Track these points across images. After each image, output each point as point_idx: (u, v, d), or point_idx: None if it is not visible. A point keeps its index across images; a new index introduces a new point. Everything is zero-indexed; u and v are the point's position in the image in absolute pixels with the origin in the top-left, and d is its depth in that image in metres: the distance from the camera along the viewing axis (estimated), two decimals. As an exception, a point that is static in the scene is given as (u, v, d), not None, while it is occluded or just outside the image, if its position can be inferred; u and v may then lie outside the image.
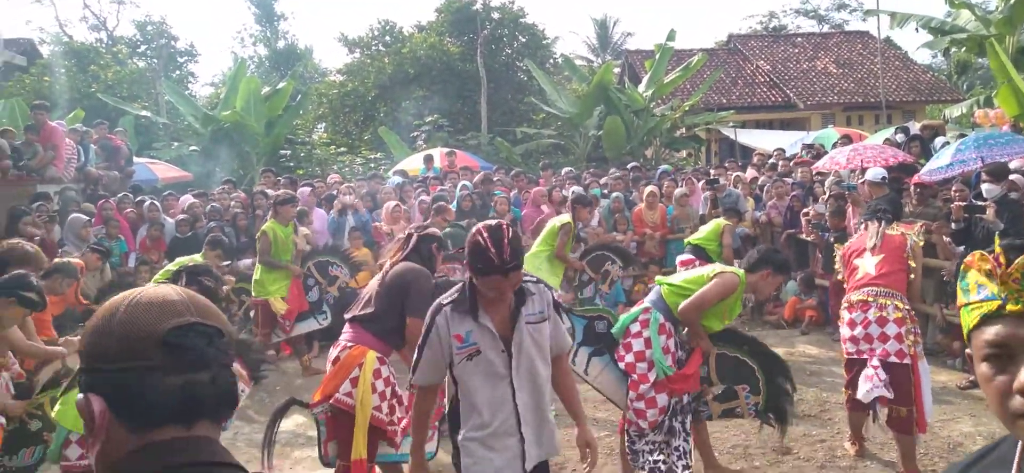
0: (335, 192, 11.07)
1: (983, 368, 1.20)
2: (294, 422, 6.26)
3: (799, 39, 30.49)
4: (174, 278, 3.99)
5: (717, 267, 4.63)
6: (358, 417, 4.14)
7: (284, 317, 7.98)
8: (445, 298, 2.97)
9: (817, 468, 5.18)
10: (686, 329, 4.61)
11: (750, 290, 4.61)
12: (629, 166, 13.32)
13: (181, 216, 10.09)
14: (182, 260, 5.71)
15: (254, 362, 4.12)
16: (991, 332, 1.18)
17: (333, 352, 4.34)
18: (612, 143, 18.73)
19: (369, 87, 24.44)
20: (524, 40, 25.58)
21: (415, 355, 3.00)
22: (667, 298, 4.56)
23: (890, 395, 4.72)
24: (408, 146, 19.71)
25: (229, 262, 8.61)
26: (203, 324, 1.14)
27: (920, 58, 30.19)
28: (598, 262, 8.82)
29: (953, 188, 7.82)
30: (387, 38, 26.59)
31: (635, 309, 4.64)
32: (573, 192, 10.12)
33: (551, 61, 25.97)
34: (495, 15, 25.12)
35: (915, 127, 12.44)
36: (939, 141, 10.60)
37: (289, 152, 20.59)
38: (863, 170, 9.06)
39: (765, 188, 10.90)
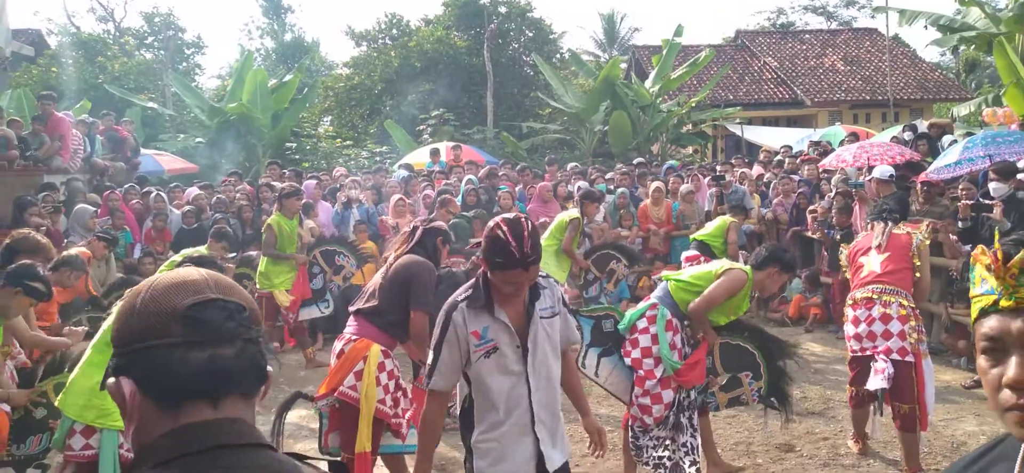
0: (340, 185, 11.08)
1: (981, 361, 1.23)
2: (297, 414, 6.27)
3: (807, 36, 30.38)
4: (181, 264, 3.97)
5: (724, 264, 4.62)
6: (363, 410, 4.15)
7: (288, 309, 8.00)
8: (459, 295, 2.90)
9: (820, 465, 5.17)
10: (688, 322, 4.61)
11: (756, 287, 4.62)
12: (635, 162, 13.30)
13: (187, 208, 10.12)
14: (187, 251, 5.72)
15: None
16: (987, 325, 1.21)
17: (338, 345, 4.36)
18: (618, 138, 18.70)
19: (375, 80, 24.44)
20: (531, 34, 25.55)
21: (430, 358, 2.89)
22: (674, 294, 4.55)
23: (887, 386, 4.71)
24: (414, 140, 19.72)
25: (235, 254, 8.63)
26: (223, 299, 1.15)
27: (928, 56, 30.07)
28: (603, 261, 8.83)
29: (960, 186, 7.79)
30: (394, 31, 26.58)
31: (642, 305, 4.63)
32: (580, 187, 10.14)
33: (558, 56, 25.91)
34: (502, 9, 25.09)
35: (923, 125, 12.39)
36: (947, 139, 10.55)
37: (295, 145, 20.61)
38: (870, 168, 9.02)
39: (771, 185, 10.87)
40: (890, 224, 5.06)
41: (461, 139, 18.75)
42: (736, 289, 4.46)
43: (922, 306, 5.08)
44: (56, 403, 3.91)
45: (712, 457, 4.99)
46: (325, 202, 10.46)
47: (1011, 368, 1.17)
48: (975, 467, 1.27)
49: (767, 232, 10.25)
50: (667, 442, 4.48)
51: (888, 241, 4.97)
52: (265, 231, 7.93)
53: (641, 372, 4.44)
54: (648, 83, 20.56)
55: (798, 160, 11.70)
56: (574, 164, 14.13)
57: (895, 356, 4.74)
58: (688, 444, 4.44)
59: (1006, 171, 6.83)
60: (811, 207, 9.60)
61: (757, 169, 12.35)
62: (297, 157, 19.82)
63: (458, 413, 3.16)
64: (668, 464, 4.43)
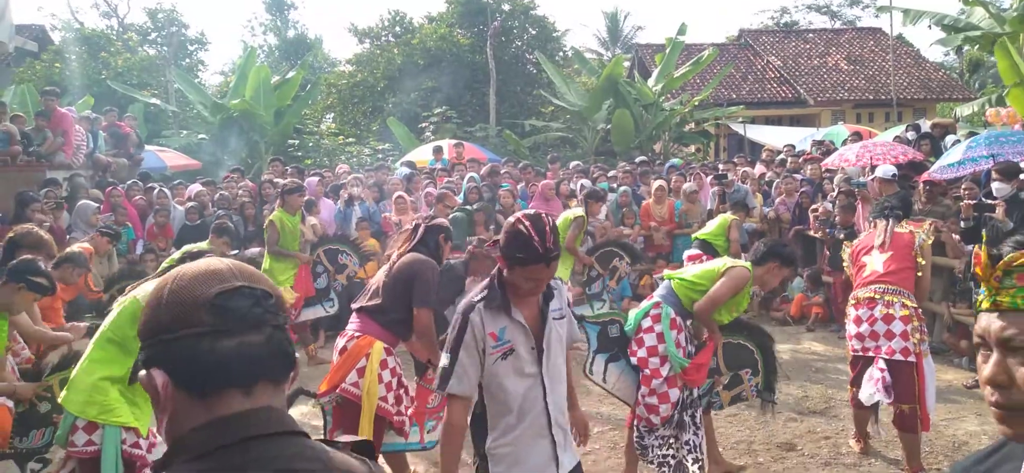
0: (343, 182, 11.08)
1: (978, 358, 1.27)
2: (299, 411, 6.28)
3: (810, 35, 30.34)
4: (181, 260, 3.98)
5: (727, 262, 4.62)
6: (364, 407, 4.16)
7: (293, 306, 8.01)
8: (475, 296, 2.81)
9: (821, 464, 5.17)
10: (692, 321, 4.61)
11: (757, 283, 4.62)
12: (637, 160, 13.29)
13: (190, 204, 10.13)
14: (188, 247, 5.73)
15: None
16: (977, 325, 1.26)
17: (340, 342, 4.36)
18: (621, 137, 18.69)
19: (378, 78, 24.45)
20: (534, 32, 25.53)
21: (446, 361, 2.78)
22: (678, 292, 4.55)
23: (889, 400, 4.72)
24: (416, 137, 19.72)
25: (236, 251, 8.64)
26: (250, 286, 1.16)
27: (932, 55, 30.06)
28: (606, 258, 8.84)
29: (962, 186, 7.77)
30: (397, 29, 26.58)
31: (646, 304, 4.63)
32: (583, 186, 10.13)
33: (561, 54, 25.90)
34: (506, 7, 25.07)
35: (926, 125, 12.37)
36: (950, 139, 10.53)
37: (297, 142, 20.63)
38: (872, 167, 9.01)
39: (774, 184, 10.86)
40: (892, 223, 5.06)
41: (463, 137, 18.76)
42: (740, 287, 4.47)
43: (924, 305, 5.08)
44: (59, 400, 3.92)
45: (713, 455, 4.99)
46: (327, 199, 10.46)
47: (986, 367, 1.21)
48: (982, 466, 1.28)
49: (769, 231, 10.24)
50: (671, 441, 4.48)
51: (891, 240, 4.97)
52: (267, 228, 7.93)
53: (647, 371, 4.43)
54: (651, 82, 20.55)
55: (801, 159, 11.68)
56: (576, 162, 14.13)
57: (897, 356, 4.74)
58: (691, 442, 4.44)
59: (1009, 171, 6.82)
60: (813, 206, 9.59)
61: (759, 168, 12.33)
62: (300, 154, 19.84)
63: (470, 418, 3.14)
64: (672, 463, 4.43)
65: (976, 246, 1.29)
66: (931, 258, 5.10)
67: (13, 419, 4.37)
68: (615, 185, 11.17)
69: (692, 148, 21.58)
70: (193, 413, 1.11)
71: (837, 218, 8.78)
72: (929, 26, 17.05)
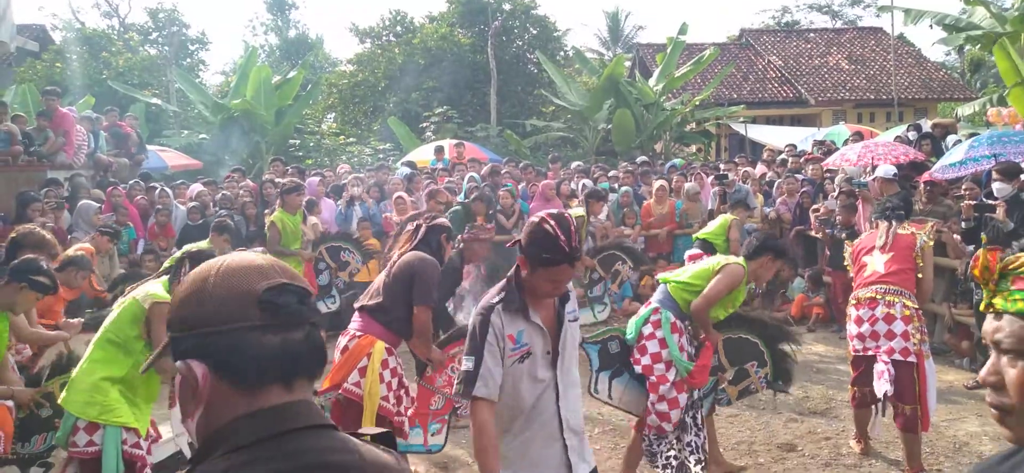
0: (344, 182, 11.08)
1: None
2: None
3: (811, 34, 30.31)
4: (178, 263, 3.98)
5: (721, 259, 4.62)
6: (366, 407, 4.16)
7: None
8: (493, 297, 2.77)
9: (822, 465, 5.17)
10: (690, 322, 4.61)
11: (751, 277, 4.61)
12: (638, 160, 13.29)
13: (191, 204, 10.13)
14: (189, 246, 5.71)
15: None
16: (983, 326, 1.28)
17: (342, 341, 4.36)
18: (622, 137, 18.69)
19: (379, 77, 24.45)
20: (535, 32, 25.52)
21: (470, 365, 2.70)
22: (674, 295, 4.54)
23: (891, 389, 4.71)
24: (417, 137, 19.72)
25: (241, 249, 8.64)
26: (293, 284, 1.18)
27: (933, 55, 30.03)
28: (609, 261, 8.85)
29: (963, 186, 7.77)
30: (398, 28, 26.59)
31: (644, 311, 4.60)
32: (585, 186, 10.14)
33: (562, 53, 25.90)
34: (506, 6, 25.07)
35: (927, 125, 12.35)
36: (951, 139, 10.52)
37: (298, 141, 20.64)
38: (873, 167, 9.01)
39: (775, 184, 10.86)
40: (894, 223, 5.06)
41: (464, 136, 18.77)
42: (735, 283, 4.46)
43: (925, 306, 5.07)
44: (59, 400, 3.92)
45: (714, 456, 4.98)
46: (328, 199, 10.47)
47: (983, 368, 1.22)
48: (1001, 468, 1.28)
49: (770, 231, 10.23)
50: (672, 441, 4.47)
51: (892, 241, 4.97)
52: (268, 229, 7.93)
53: (653, 378, 4.39)
54: (652, 81, 20.55)
55: (802, 159, 11.68)
56: (577, 162, 14.13)
57: (897, 356, 4.73)
58: (693, 443, 4.43)
59: (1009, 171, 6.81)
60: (814, 206, 9.59)
61: (760, 168, 12.33)
62: (301, 154, 19.85)
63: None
64: (674, 464, 4.42)
65: (980, 248, 1.31)
66: (932, 259, 5.09)
67: (14, 423, 4.37)
68: (616, 185, 11.16)
69: (693, 148, 21.57)
70: (235, 405, 1.12)
71: (838, 218, 8.77)
72: (930, 26, 17.02)
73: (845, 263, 5.55)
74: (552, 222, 2.63)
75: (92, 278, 6.89)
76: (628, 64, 25.76)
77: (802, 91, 25.68)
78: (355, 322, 4.38)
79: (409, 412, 4.52)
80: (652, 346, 4.43)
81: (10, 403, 4.33)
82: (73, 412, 3.79)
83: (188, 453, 4.51)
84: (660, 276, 4.90)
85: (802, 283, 9.67)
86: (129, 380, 3.81)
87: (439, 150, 14.26)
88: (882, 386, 4.75)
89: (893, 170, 8.49)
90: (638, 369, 4.46)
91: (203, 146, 18.48)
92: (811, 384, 6.94)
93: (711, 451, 4.97)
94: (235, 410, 1.12)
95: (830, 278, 9.07)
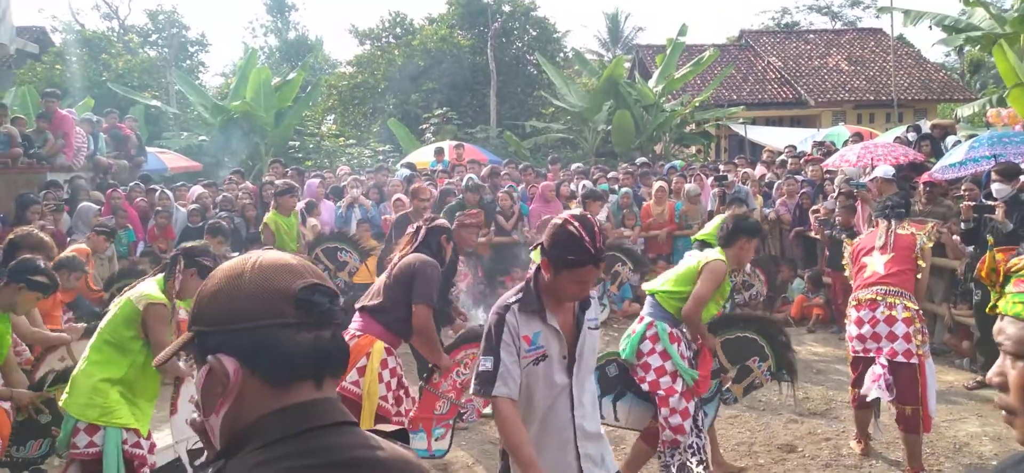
0: (344, 184, 11.08)
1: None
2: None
3: (811, 35, 30.32)
4: (172, 260, 3.97)
5: (700, 258, 4.54)
6: (365, 407, 4.15)
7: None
8: (510, 298, 2.74)
9: (822, 466, 5.16)
10: (683, 327, 4.58)
11: (733, 264, 4.55)
12: (638, 161, 13.29)
13: (192, 206, 10.12)
14: (186, 245, 5.65)
15: None
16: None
17: None
18: (621, 138, 18.69)
19: (379, 79, 24.46)
20: (535, 33, 25.55)
21: (488, 364, 2.68)
22: (664, 304, 4.48)
23: (890, 397, 4.71)
24: (417, 139, 19.73)
25: (237, 253, 8.63)
26: (324, 284, 1.19)
27: (933, 56, 30.02)
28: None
29: (963, 187, 7.76)
30: (397, 30, 26.61)
31: (638, 327, 4.52)
32: (584, 186, 10.13)
33: (561, 55, 25.92)
34: (506, 8, 25.09)
35: (926, 126, 12.35)
36: (950, 140, 10.52)
37: (298, 143, 20.64)
38: (872, 168, 9.01)
39: (775, 185, 10.86)
40: (894, 223, 5.05)
41: (464, 138, 18.78)
42: (720, 278, 4.42)
43: (925, 307, 5.08)
44: (60, 404, 3.93)
45: (715, 457, 4.98)
46: (328, 201, 10.46)
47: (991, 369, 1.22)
48: (1020, 468, 1.29)
49: (770, 232, 10.24)
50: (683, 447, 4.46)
51: (892, 241, 4.96)
52: (263, 231, 7.91)
53: (661, 392, 4.33)
54: (652, 82, 20.57)
55: (802, 160, 11.68)
56: (577, 164, 14.13)
57: (900, 358, 4.73)
58: (694, 444, 4.42)
59: (1009, 172, 6.80)
60: (814, 207, 9.58)
61: (760, 169, 12.33)
62: (300, 155, 19.86)
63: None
64: (675, 467, 4.40)
65: (988, 250, 1.32)
66: (930, 260, 5.09)
67: (12, 427, 4.37)
68: (616, 186, 11.16)
69: (693, 149, 21.58)
70: (266, 401, 1.13)
71: (837, 219, 8.77)
72: (930, 27, 17.05)
73: (844, 262, 5.54)
74: (576, 223, 2.61)
75: (88, 278, 6.88)
76: (628, 65, 25.77)
77: (802, 92, 25.69)
78: (355, 322, 4.38)
79: (410, 414, 4.51)
80: (654, 361, 4.38)
81: (7, 405, 4.33)
82: (73, 414, 3.79)
83: (186, 460, 4.50)
84: (645, 287, 4.86)
85: (802, 284, 9.67)
86: (128, 380, 3.82)
87: (439, 152, 14.26)
88: (874, 391, 4.75)
89: (891, 170, 8.48)
90: (645, 387, 4.40)
91: (203, 148, 18.48)
92: (811, 385, 6.94)
93: (712, 453, 4.96)
94: (266, 406, 1.13)
95: (830, 279, 9.07)
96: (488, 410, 6.34)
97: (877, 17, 33.65)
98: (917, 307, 4.81)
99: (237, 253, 8.57)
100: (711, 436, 4.97)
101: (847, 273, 5.40)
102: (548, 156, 15.74)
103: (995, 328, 1.25)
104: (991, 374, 1.24)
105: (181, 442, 4.50)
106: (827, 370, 7.47)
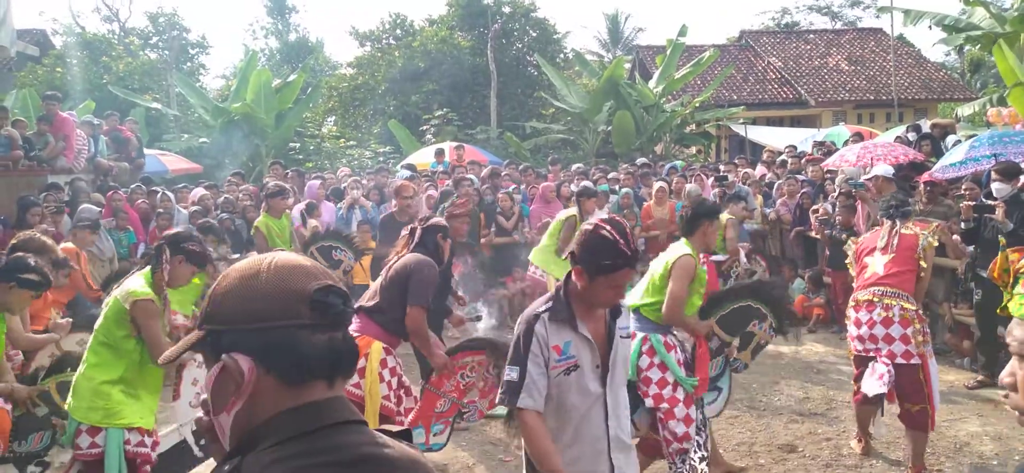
0: (344, 185, 11.07)
1: None
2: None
3: (811, 35, 30.32)
4: (157, 250, 3.92)
5: (666, 259, 4.47)
6: (368, 408, 4.17)
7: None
8: (540, 307, 2.68)
9: (822, 466, 5.16)
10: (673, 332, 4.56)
11: (699, 249, 4.49)
12: (639, 162, 13.28)
13: (194, 207, 10.12)
14: (167, 233, 5.49)
15: None
16: None
17: None
18: (622, 139, 18.70)
19: (379, 80, 24.47)
20: (535, 35, 25.56)
21: (514, 375, 2.62)
22: (649, 316, 4.42)
23: (886, 388, 4.69)
24: (417, 140, 19.73)
25: (239, 254, 8.62)
26: (337, 286, 1.21)
27: (933, 56, 30.02)
28: None
29: (963, 186, 7.76)
30: (398, 32, 26.63)
31: (634, 344, 4.42)
32: (579, 185, 10.11)
33: (562, 56, 25.92)
34: (506, 9, 25.11)
35: (926, 125, 12.35)
36: (950, 140, 10.52)
37: (299, 145, 20.65)
38: (872, 168, 9.01)
39: (775, 185, 10.86)
40: (898, 224, 5.02)
41: (464, 139, 18.78)
42: (691, 271, 4.34)
43: (924, 305, 5.06)
44: (66, 407, 3.94)
45: (714, 457, 4.97)
46: (329, 202, 10.47)
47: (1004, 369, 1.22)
48: None
49: (771, 231, 10.24)
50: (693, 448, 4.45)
51: (895, 242, 4.93)
52: (254, 235, 7.86)
53: (665, 405, 4.29)
54: (652, 83, 20.57)
55: (802, 161, 11.68)
56: (577, 164, 14.13)
57: (899, 360, 4.72)
58: (696, 442, 4.41)
59: (1009, 171, 6.79)
60: (814, 207, 9.58)
61: (760, 169, 12.33)
62: (301, 157, 19.86)
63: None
64: (686, 470, 4.38)
65: (1000, 251, 1.32)
66: (933, 259, 5.07)
67: (11, 422, 4.38)
68: (616, 187, 11.16)
69: (693, 149, 21.58)
70: (280, 399, 1.15)
71: (837, 219, 8.77)
72: (930, 26, 17.05)
73: (847, 262, 5.51)
74: (608, 227, 2.58)
75: (87, 277, 6.86)
76: (628, 66, 25.77)
77: (802, 92, 25.69)
78: (353, 323, 4.38)
79: (411, 414, 4.52)
80: (654, 374, 4.33)
81: (5, 403, 4.34)
82: (77, 418, 3.81)
83: (192, 440, 4.52)
84: (626, 305, 4.83)
85: (802, 284, 9.66)
86: (128, 378, 3.82)
87: (439, 153, 14.27)
88: (874, 386, 4.73)
89: (890, 169, 8.49)
90: (649, 402, 4.34)
91: (203, 150, 18.48)
92: (811, 385, 6.94)
93: (712, 452, 4.96)
94: (280, 404, 1.15)
95: (830, 279, 9.07)
96: (492, 412, 6.36)
97: (877, 17, 33.67)
98: (915, 307, 4.80)
99: (239, 255, 8.59)
100: (711, 436, 4.97)
101: (851, 272, 5.37)
102: (548, 157, 15.75)
103: (1007, 330, 1.25)
104: (1003, 376, 1.24)
105: (185, 424, 4.52)
106: (827, 370, 7.47)
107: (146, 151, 14.33)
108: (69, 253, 6.41)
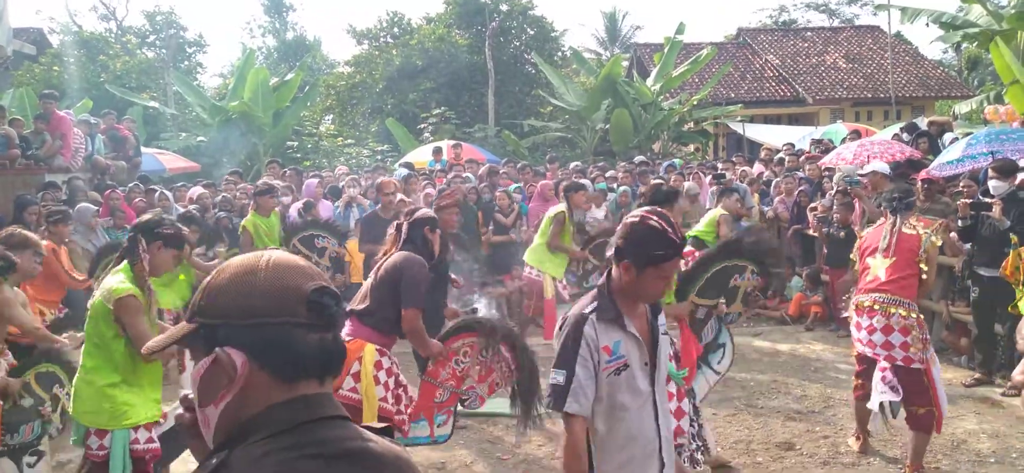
0: (342, 183, 11.06)
1: None
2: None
3: (809, 33, 30.32)
4: (131, 242, 3.85)
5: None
6: (365, 411, 4.14)
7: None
8: (586, 306, 2.59)
9: (820, 464, 5.17)
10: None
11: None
12: (636, 160, 13.29)
13: (192, 206, 10.11)
14: (138, 220, 5.34)
15: None
16: None
17: None
18: (619, 137, 18.70)
19: (377, 79, 24.44)
20: (533, 33, 25.52)
21: (561, 379, 2.52)
22: None
23: (897, 398, 4.71)
24: (415, 138, 19.73)
25: (237, 248, 8.59)
26: (330, 287, 1.23)
27: (931, 53, 30.04)
28: (602, 248, 8.77)
29: (961, 184, 7.77)
30: (395, 30, 26.58)
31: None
32: (574, 182, 10.09)
33: (559, 54, 25.91)
34: (504, 7, 25.07)
35: (923, 124, 12.36)
36: (948, 137, 10.53)
37: (296, 143, 20.63)
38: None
39: (773, 183, 10.86)
40: (899, 220, 4.97)
41: (462, 137, 18.76)
42: None
43: (922, 304, 5.05)
44: (69, 411, 3.95)
45: (712, 456, 4.98)
46: (326, 200, 10.46)
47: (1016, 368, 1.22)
48: None
49: (768, 230, 10.23)
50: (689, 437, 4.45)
51: (896, 243, 4.87)
52: (241, 234, 7.83)
53: None
54: (650, 81, 20.57)
55: (800, 159, 11.69)
56: (576, 162, 14.12)
57: (900, 364, 4.73)
58: (691, 433, 4.42)
59: (1006, 169, 6.80)
60: (812, 205, 9.59)
61: (758, 167, 12.33)
62: (298, 155, 19.85)
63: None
64: (686, 460, 4.37)
65: (1014, 250, 1.31)
66: (935, 259, 5.02)
67: (2, 416, 4.41)
68: (614, 185, 11.16)
69: (691, 147, 21.57)
70: (271, 394, 1.17)
71: (835, 217, 8.78)
72: (927, 24, 17.05)
73: (852, 257, 5.44)
74: (655, 217, 2.51)
75: (70, 270, 6.83)
76: (626, 64, 25.77)
77: (799, 90, 25.70)
78: (345, 327, 4.36)
79: (409, 410, 4.51)
80: None
81: None
82: (84, 423, 3.82)
83: None
84: None
85: (800, 282, 9.67)
86: (127, 376, 3.81)
87: (437, 151, 14.26)
88: (879, 396, 4.75)
89: (886, 166, 8.50)
90: None
91: (201, 148, 18.47)
92: (809, 383, 6.95)
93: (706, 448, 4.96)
94: (271, 399, 1.16)
95: (828, 277, 9.07)
96: (493, 410, 6.37)
97: (874, 14, 33.56)
98: (916, 315, 4.77)
99: (237, 249, 8.57)
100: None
101: (855, 269, 5.30)
102: (546, 155, 15.76)
103: (1017, 330, 1.24)
104: (1016, 373, 1.24)
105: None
106: (825, 368, 7.49)
107: (143, 150, 14.32)
108: (47, 248, 6.34)
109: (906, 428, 4.90)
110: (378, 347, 4.26)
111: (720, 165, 12.96)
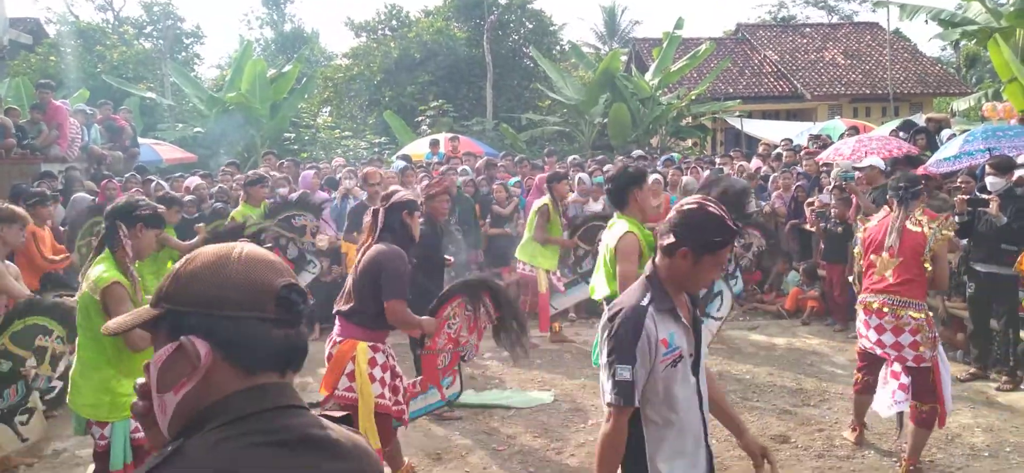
0: (339, 175, 11.05)
1: None
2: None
3: (807, 29, 30.32)
4: (109, 229, 3.79)
5: (606, 244, 4.41)
6: (361, 409, 4.13)
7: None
8: (641, 299, 2.50)
9: (815, 456, 5.18)
10: None
11: (639, 218, 4.40)
12: (634, 154, 13.28)
13: (188, 197, 10.08)
14: (110, 206, 5.29)
15: None
16: None
17: (326, 347, 4.35)
18: (618, 131, 18.69)
19: (375, 71, 24.39)
20: (531, 26, 25.48)
21: (627, 374, 2.43)
22: None
23: (907, 404, 4.76)
24: (413, 131, 19.70)
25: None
26: (298, 285, 1.25)
27: (929, 50, 30.05)
28: (591, 233, 8.73)
29: (959, 180, 7.78)
30: (393, 22, 26.52)
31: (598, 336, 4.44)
32: (581, 180, 10.08)
33: (558, 48, 25.87)
34: (502, 1, 25.03)
35: (920, 120, 12.36)
36: (945, 134, 10.53)
37: (293, 135, 20.60)
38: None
39: (771, 178, 10.87)
40: (903, 212, 4.89)
41: (460, 130, 18.73)
42: (635, 246, 4.23)
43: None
44: (67, 402, 3.96)
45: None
46: (323, 192, 10.45)
47: None
48: None
49: (766, 224, 10.23)
50: None
51: (901, 242, 4.83)
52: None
53: None
54: (648, 76, 20.56)
55: (800, 154, 11.69)
56: (573, 156, 14.11)
57: (910, 364, 4.73)
58: None
59: (1003, 165, 6.80)
60: (809, 200, 9.60)
61: (756, 162, 12.33)
62: (296, 147, 19.82)
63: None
64: None
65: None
66: (945, 253, 4.97)
67: None
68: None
69: (689, 142, 21.57)
70: (231, 383, 1.18)
71: (833, 211, 8.78)
72: (926, 21, 17.06)
73: (856, 251, 5.39)
74: (712, 204, 2.48)
75: (45, 252, 6.82)
76: (624, 58, 25.76)
77: (798, 86, 25.71)
78: (335, 328, 4.34)
79: (407, 398, 4.53)
80: None
81: None
82: (85, 417, 3.82)
83: None
84: (595, 296, 4.79)
85: (797, 276, 9.68)
86: (124, 366, 3.80)
87: (434, 144, 14.24)
88: (897, 406, 4.79)
89: (882, 162, 8.51)
90: None
91: (198, 139, 18.43)
92: (805, 376, 6.96)
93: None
94: (230, 387, 1.17)
95: (825, 271, 9.09)
96: (486, 401, 6.36)
97: (873, 11, 33.56)
98: (925, 315, 4.76)
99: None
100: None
101: (858, 262, 5.25)
102: (544, 149, 15.72)
103: None
104: None
105: None
106: (821, 362, 7.50)
107: (140, 140, 14.29)
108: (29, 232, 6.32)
109: (890, 419, 4.92)
110: (370, 344, 4.23)
111: (718, 160, 12.96)
